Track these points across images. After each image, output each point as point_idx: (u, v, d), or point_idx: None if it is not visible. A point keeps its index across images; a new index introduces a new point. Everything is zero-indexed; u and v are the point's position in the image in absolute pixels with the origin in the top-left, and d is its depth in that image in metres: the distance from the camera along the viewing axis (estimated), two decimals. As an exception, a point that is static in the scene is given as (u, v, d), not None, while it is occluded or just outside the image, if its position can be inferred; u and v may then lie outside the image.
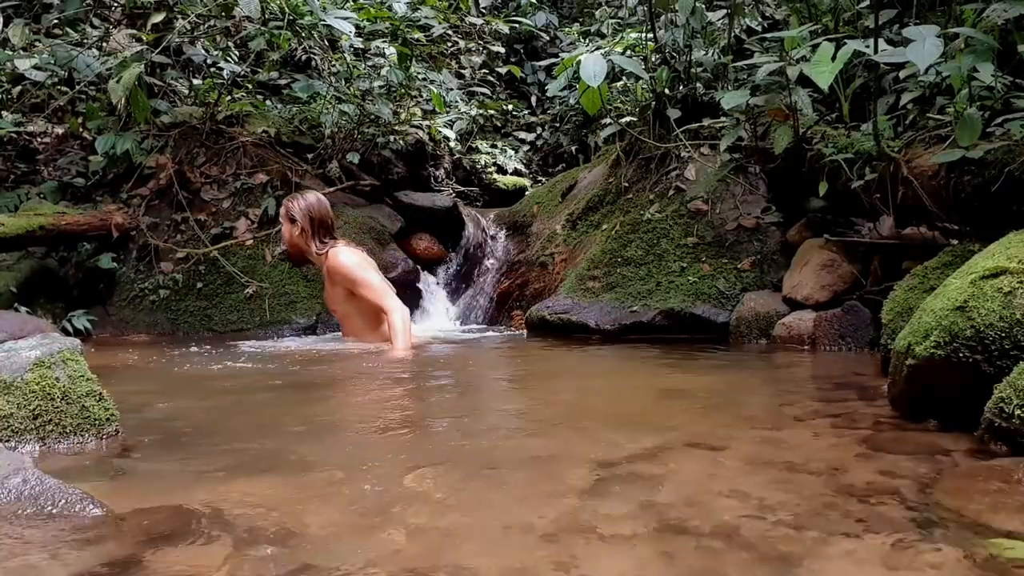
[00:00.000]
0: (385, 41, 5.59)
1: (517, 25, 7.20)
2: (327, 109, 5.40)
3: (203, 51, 5.55)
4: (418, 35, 5.63)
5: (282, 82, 6.43)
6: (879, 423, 1.97)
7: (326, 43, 5.50)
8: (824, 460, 1.65)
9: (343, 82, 5.57)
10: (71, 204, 4.85)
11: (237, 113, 5.39)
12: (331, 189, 5.15)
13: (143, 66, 4.57)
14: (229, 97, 5.58)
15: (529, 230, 5.67)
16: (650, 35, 4.70)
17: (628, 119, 5.16)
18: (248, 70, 5.80)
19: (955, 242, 3.04)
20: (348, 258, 3.88)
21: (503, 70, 7.46)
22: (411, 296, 5.15)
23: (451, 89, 6.73)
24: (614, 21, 6.80)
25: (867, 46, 2.77)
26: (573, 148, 8.11)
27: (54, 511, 1.34)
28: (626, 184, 4.82)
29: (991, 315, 1.71)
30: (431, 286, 5.46)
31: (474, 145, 8.01)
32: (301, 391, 2.82)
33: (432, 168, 6.99)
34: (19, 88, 5.10)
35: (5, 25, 4.71)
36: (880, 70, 3.20)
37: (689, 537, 1.24)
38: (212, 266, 4.81)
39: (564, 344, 3.99)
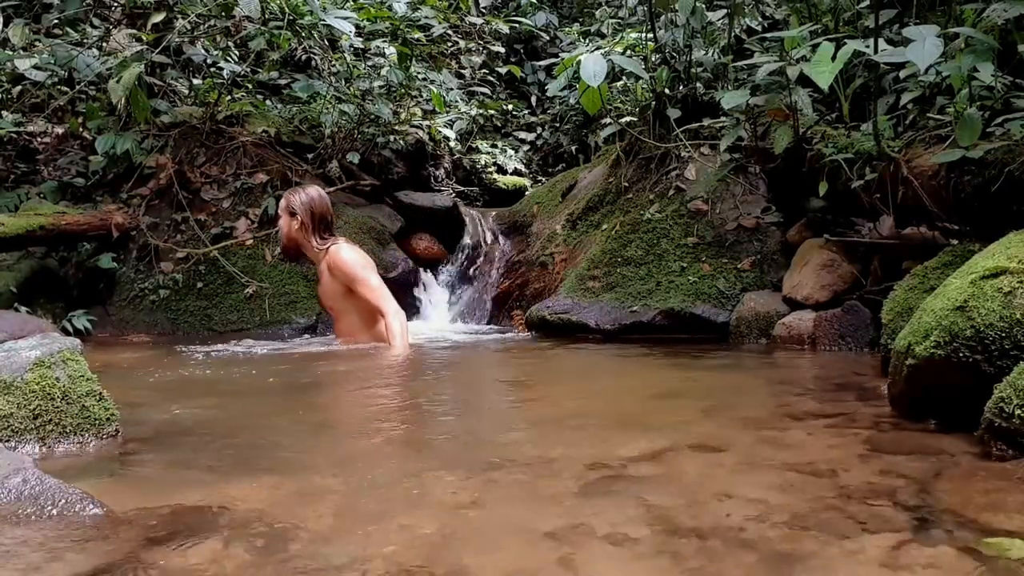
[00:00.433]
0: (385, 41, 5.59)
1: (517, 25, 7.20)
2: (327, 109, 5.41)
3: (203, 51, 5.55)
4: (418, 35, 5.63)
5: (282, 82, 6.43)
6: (879, 423, 1.97)
7: (326, 43, 5.50)
8: (824, 460, 1.65)
9: (343, 82, 5.57)
10: (71, 204, 4.85)
11: (237, 113, 5.39)
12: (331, 189, 5.14)
13: (143, 66, 4.57)
14: (229, 97, 5.58)
15: (529, 230, 5.67)
16: (650, 35, 4.70)
17: (628, 119, 5.16)
18: (248, 70, 5.80)
19: (955, 242, 3.04)
20: (350, 255, 3.87)
21: (503, 70, 7.46)
22: (411, 296, 5.16)
23: (451, 89, 6.73)
24: (614, 21, 6.80)
25: (867, 46, 2.77)
26: (573, 148, 8.11)
27: (54, 511, 1.34)
28: (626, 184, 4.82)
29: (991, 315, 1.71)
30: (431, 286, 5.46)
31: (474, 145, 8.01)
32: (300, 391, 2.82)
33: (432, 168, 6.99)
34: (19, 88, 5.10)
35: (5, 25, 4.71)
36: (880, 70, 3.20)
37: (690, 538, 1.24)
38: (212, 266, 4.81)
39: (564, 344, 3.99)
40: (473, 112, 7.27)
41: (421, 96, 6.19)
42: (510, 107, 8.42)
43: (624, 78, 5.47)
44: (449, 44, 6.48)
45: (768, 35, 4.25)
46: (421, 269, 5.45)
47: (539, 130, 8.62)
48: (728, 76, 4.49)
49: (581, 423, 2.16)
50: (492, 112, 7.68)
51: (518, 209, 6.09)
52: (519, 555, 1.19)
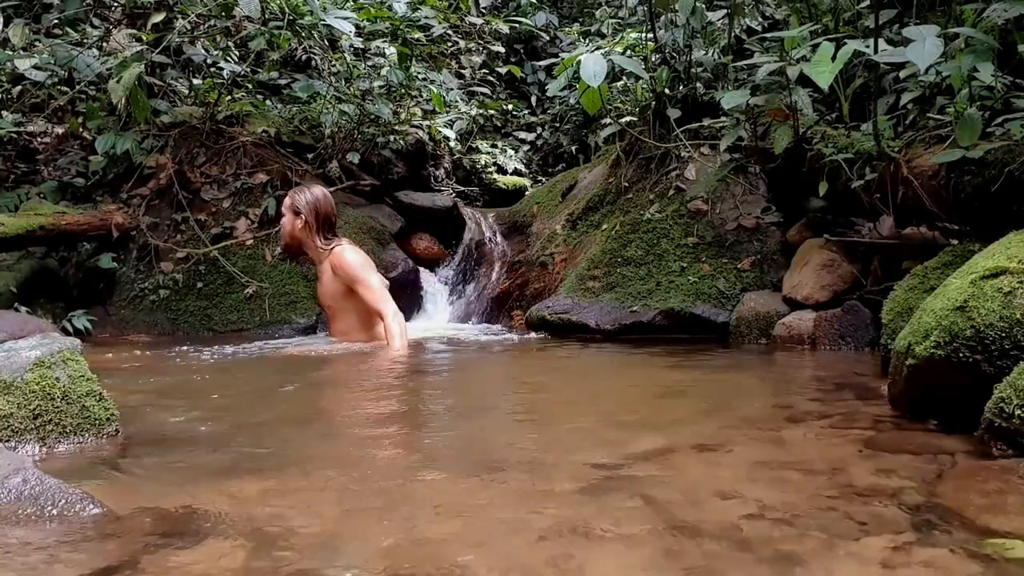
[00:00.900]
0: (385, 41, 5.59)
1: (517, 25, 7.20)
2: (327, 109, 5.40)
3: (203, 51, 5.55)
4: (418, 35, 5.63)
5: (282, 82, 6.43)
6: (879, 423, 1.96)
7: (326, 43, 5.50)
8: (824, 460, 1.65)
9: (343, 82, 5.57)
10: (71, 204, 4.85)
11: (237, 113, 5.39)
12: (331, 189, 5.11)
13: (143, 66, 4.56)
14: (229, 97, 5.58)
15: (529, 230, 5.67)
16: (650, 35, 4.70)
17: (628, 119, 5.16)
18: (248, 70, 5.80)
19: (955, 242, 3.04)
20: (353, 257, 3.91)
21: (503, 70, 7.45)
22: (411, 296, 5.15)
23: (451, 89, 6.73)
24: (614, 21, 6.80)
25: (867, 46, 2.77)
26: (573, 148, 8.11)
27: (54, 511, 1.34)
28: (626, 184, 4.82)
29: (991, 315, 1.71)
30: (431, 286, 5.46)
31: (474, 145, 8.01)
32: (300, 391, 2.82)
33: (432, 168, 6.99)
34: (19, 88, 5.10)
35: (5, 25, 4.71)
36: (880, 70, 3.20)
37: (690, 537, 1.24)
38: (212, 266, 4.81)
39: (564, 344, 3.99)
40: (473, 112, 7.27)
41: (421, 96, 6.19)
42: (510, 107, 8.41)
43: (624, 78, 5.47)
44: (449, 44, 6.48)
45: (768, 35, 4.25)
46: (421, 269, 5.45)
47: (539, 130, 8.62)
48: (728, 76, 4.49)
49: (581, 423, 2.16)
50: (492, 112, 7.68)
51: (518, 209, 6.09)
52: (519, 555, 1.19)
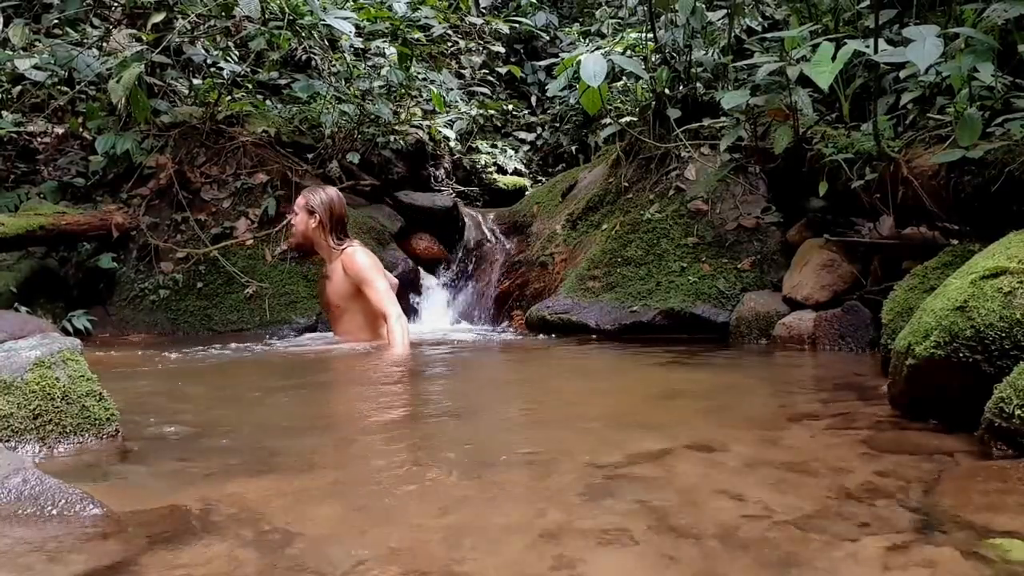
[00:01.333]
0: (385, 41, 5.59)
1: (517, 25, 7.20)
2: (327, 109, 5.41)
3: (203, 51, 5.55)
4: (418, 35, 5.63)
5: (282, 82, 6.43)
6: (879, 423, 1.96)
7: (326, 43, 5.50)
8: (824, 460, 1.65)
9: (343, 82, 5.57)
10: (71, 204, 4.85)
11: (237, 113, 5.39)
12: (331, 189, 5.14)
13: (143, 66, 4.56)
14: (229, 97, 5.58)
15: (529, 230, 5.67)
16: (650, 35, 4.70)
17: (628, 119, 5.16)
18: (248, 70, 5.80)
19: (955, 242, 3.04)
20: (364, 258, 3.96)
21: (503, 70, 7.46)
22: (411, 296, 5.15)
23: (451, 89, 6.73)
24: (614, 21, 6.80)
25: (867, 46, 2.77)
26: (573, 148, 8.11)
27: (54, 511, 1.34)
28: (626, 184, 4.82)
29: (991, 315, 1.71)
30: (431, 286, 5.46)
31: (474, 145, 8.01)
32: (300, 391, 2.82)
33: (432, 168, 6.99)
34: (19, 88, 5.10)
35: (5, 25, 4.71)
36: (880, 70, 3.20)
37: (689, 538, 1.24)
38: (212, 266, 4.81)
39: (564, 344, 3.99)
40: (473, 112, 7.27)
41: (421, 96, 6.19)
42: (510, 107, 8.41)
43: (624, 78, 5.47)
44: (449, 44, 6.48)
45: (768, 35, 4.25)
46: (421, 269, 5.45)
47: (539, 130, 8.62)
48: (728, 76, 4.49)
49: (581, 423, 2.16)
50: (492, 112, 7.68)
51: (518, 209, 6.09)
52: (519, 555, 1.19)
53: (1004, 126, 2.80)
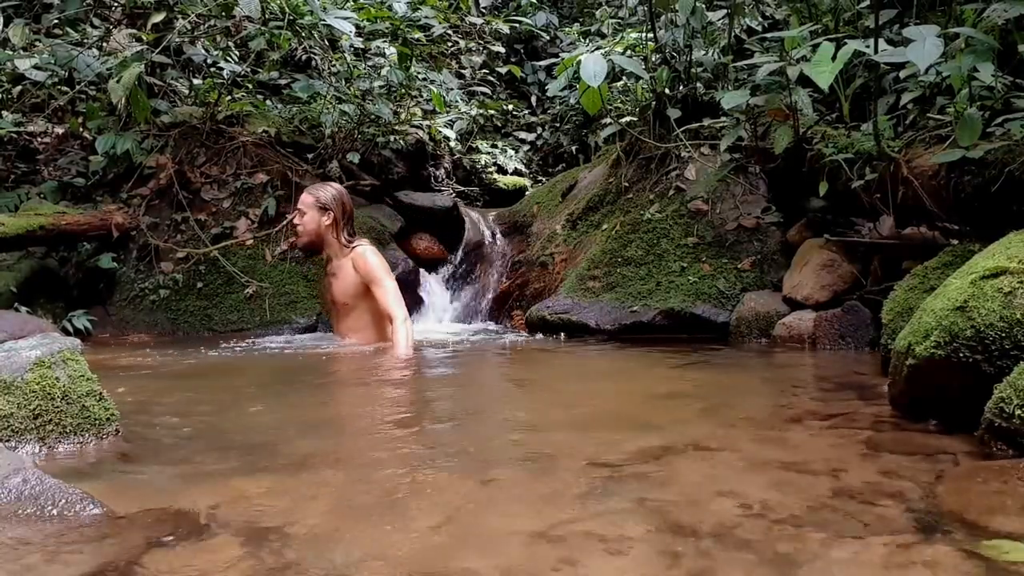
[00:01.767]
0: (385, 41, 5.59)
1: (517, 25, 7.20)
2: (327, 109, 5.40)
3: (203, 51, 5.55)
4: (418, 35, 5.63)
5: (282, 82, 6.43)
6: (879, 423, 1.96)
7: (326, 43, 5.50)
8: (824, 460, 1.65)
9: (343, 82, 5.57)
10: (71, 204, 4.85)
11: (237, 113, 5.39)
12: (331, 189, 5.14)
13: (143, 66, 4.56)
14: (229, 97, 5.58)
15: (529, 230, 5.67)
16: (650, 35, 4.70)
17: (628, 119, 5.16)
18: (248, 70, 5.80)
19: (955, 242, 3.04)
20: (375, 258, 3.96)
21: (503, 70, 7.46)
22: (411, 296, 5.15)
23: (451, 89, 6.73)
24: (614, 21, 6.79)
25: (867, 46, 2.77)
26: (573, 148, 8.11)
27: (54, 511, 1.34)
28: (626, 184, 4.82)
29: (991, 315, 1.71)
30: (431, 286, 5.46)
31: (474, 145, 8.01)
32: (301, 390, 2.82)
33: (432, 168, 6.99)
34: (19, 88, 5.10)
35: (5, 25, 4.71)
36: (880, 70, 3.20)
37: (690, 538, 1.24)
38: (212, 266, 4.81)
39: (564, 344, 3.99)
40: (473, 112, 7.27)
41: (421, 96, 6.19)
42: (510, 107, 8.41)
43: (624, 78, 5.47)
44: (449, 44, 6.48)
45: (768, 35, 4.25)
46: (421, 269, 5.45)
47: (539, 130, 8.62)
48: (728, 76, 4.49)
49: (581, 423, 2.16)
50: (492, 112, 7.68)
51: (518, 209, 6.09)
52: (519, 555, 1.19)
53: (1004, 126, 2.80)
